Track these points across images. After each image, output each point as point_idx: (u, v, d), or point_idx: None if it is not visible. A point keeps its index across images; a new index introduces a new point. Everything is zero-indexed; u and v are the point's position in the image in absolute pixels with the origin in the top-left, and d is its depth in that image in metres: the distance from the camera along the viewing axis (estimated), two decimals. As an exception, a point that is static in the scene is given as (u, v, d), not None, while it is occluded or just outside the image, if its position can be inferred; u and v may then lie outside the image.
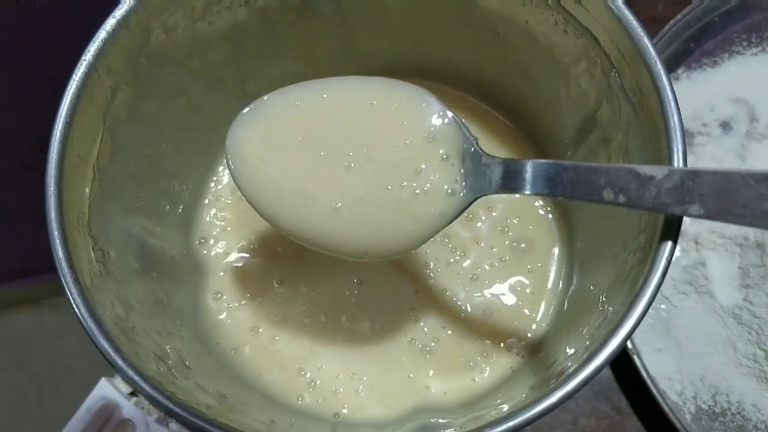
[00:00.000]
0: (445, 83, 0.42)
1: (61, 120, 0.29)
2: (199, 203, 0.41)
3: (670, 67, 0.51)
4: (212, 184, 0.41)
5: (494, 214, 0.40)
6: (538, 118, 0.40)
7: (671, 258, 0.26)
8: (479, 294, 0.39)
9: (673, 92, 0.27)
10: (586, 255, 0.37)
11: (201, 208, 0.41)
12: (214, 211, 0.41)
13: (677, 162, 0.27)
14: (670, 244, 0.27)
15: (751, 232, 0.43)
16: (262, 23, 0.36)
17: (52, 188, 0.28)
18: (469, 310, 0.38)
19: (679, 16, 0.51)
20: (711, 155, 0.49)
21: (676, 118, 0.27)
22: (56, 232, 0.27)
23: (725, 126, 0.49)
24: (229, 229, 0.40)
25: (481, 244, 0.39)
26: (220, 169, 0.42)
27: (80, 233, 0.29)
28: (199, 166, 0.40)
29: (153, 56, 0.33)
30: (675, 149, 0.27)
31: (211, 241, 0.40)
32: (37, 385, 0.83)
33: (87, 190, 0.30)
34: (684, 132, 0.27)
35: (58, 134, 0.28)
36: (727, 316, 0.44)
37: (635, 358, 0.42)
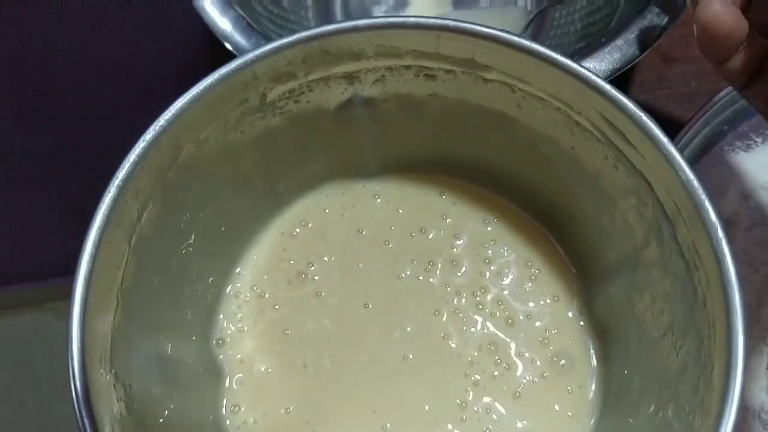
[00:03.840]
0: (480, 184, 0.40)
1: (86, 257, 0.26)
2: (218, 302, 0.38)
3: (704, 151, 0.49)
4: (231, 283, 0.39)
5: (537, 324, 0.38)
6: (579, 234, 0.38)
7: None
8: (522, 417, 0.36)
9: (735, 263, 0.26)
10: (621, 390, 0.35)
11: (220, 306, 0.39)
12: (232, 307, 0.39)
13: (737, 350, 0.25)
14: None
15: (781, 337, 0.42)
16: (295, 129, 0.34)
17: (75, 332, 0.26)
18: None
19: (715, 99, 0.49)
20: (739, 244, 0.47)
21: (737, 292, 0.26)
22: (80, 384, 0.26)
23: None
24: (246, 329, 0.38)
25: (526, 355, 0.37)
26: (239, 268, 0.39)
27: (103, 373, 0.27)
28: (222, 266, 0.38)
29: (182, 170, 0.31)
30: (735, 334, 0.25)
31: (228, 340, 0.38)
32: (37, 387, 0.82)
33: (110, 319, 0.29)
34: (746, 310, 0.25)
35: (82, 273, 0.26)
36: (753, 420, 0.42)
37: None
